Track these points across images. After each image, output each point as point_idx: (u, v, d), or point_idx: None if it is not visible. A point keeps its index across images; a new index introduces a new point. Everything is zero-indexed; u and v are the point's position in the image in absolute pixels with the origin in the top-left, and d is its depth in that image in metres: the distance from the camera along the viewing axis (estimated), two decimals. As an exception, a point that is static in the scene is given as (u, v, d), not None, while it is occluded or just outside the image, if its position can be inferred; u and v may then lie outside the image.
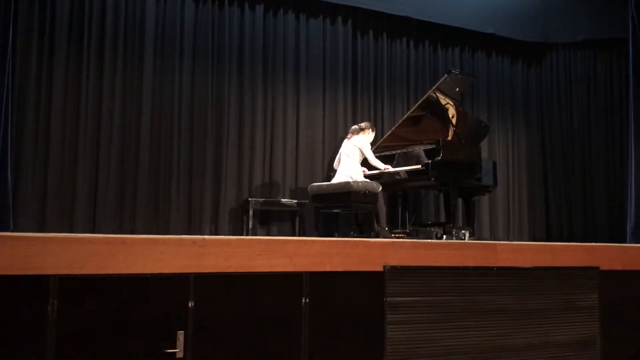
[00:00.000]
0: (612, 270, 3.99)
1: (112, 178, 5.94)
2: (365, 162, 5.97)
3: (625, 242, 6.90)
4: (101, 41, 6.03)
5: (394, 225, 6.75)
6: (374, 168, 5.95)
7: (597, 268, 3.93)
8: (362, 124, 6.15)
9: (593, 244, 4.34)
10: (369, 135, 6.07)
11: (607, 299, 3.93)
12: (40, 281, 2.47)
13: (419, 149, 6.10)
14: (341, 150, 6.07)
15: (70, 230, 5.57)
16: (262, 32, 6.83)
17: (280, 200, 6.59)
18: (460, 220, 7.03)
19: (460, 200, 6.61)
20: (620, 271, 4.05)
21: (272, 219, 6.67)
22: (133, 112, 6.12)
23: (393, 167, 6.17)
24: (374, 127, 6.29)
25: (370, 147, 5.93)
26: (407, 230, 6.65)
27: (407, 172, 6.07)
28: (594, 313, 3.89)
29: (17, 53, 5.60)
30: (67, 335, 2.49)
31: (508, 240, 7.69)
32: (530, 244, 4.01)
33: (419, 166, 5.94)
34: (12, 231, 4.99)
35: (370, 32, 7.48)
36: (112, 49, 6.07)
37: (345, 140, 6.10)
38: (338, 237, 6.02)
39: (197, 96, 6.43)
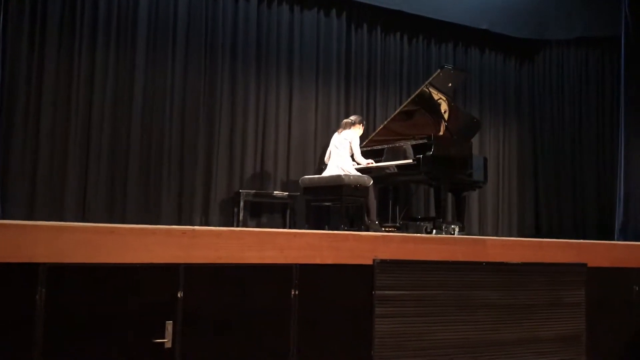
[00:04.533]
0: (600, 267, 4.03)
1: (103, 167, 5.91)
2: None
3: (613, 239, 6.95)
4: (93, 31, 5.97)
5: (384, 219, 6.76)
6: (357, 162, 5.98)
7: (585, 265, 3.96)
8: (353, 118, 6.17)
9: (581, 240, 4.37)
10: (358, 130, 6.11)
11: (594, 295, 3.96)
12: (29, 269, 2.45)
13: (410, 144, 6.11)
14: (331, 143, 6.07)
15: (60, 219, 5.53)
16: (256, 23, 6.80)
17: (272, 193, 6.59)
18: (450, 215, 7.05)
19: (450, 195, 6.63)
20: (608, 268, 4.08)
21: (262, 211, 6.67)
22: (125, 102, 6.08)
23: (382, 161, 6.20)
24: (364, 121, 6.32)
25: (359, 142, 5.95)
26: (397, 225, 6.67)
27: (398, 166, 6.09)
28: (580, 309, 3.92)
29: (8, 41, 5.54)
30: (55, 324, 2.48)
31: (497, 236, 7.73)
32: (519, 240, 4.03)
33: (411, 160, 5.96)
34: (1, 219, 4.96)
35: (365, 26, 7.48)
36: (104, 38, 6.02)
37: (336, 134, 6.11)
38: (328, 230, 6.03)
39: (189, 87, 6.40)
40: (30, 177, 5.61)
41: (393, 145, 6.29)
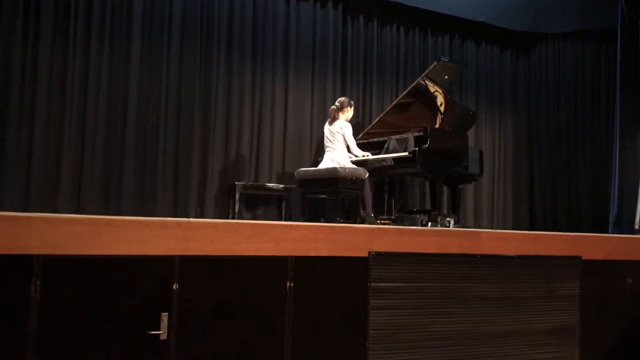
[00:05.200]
0: (594, 260, 4.04)
1: (98, 159, 5.89)
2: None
3: (607, 232, 6.99)
4: (88, 22, 5.93)
5: (380, 212, 6.77)
6: (354, 155, 5.96)
7: (579, 257, 3.98)
8: (340, 102, 6.02)
9: (576, 233, 4.38)
10: (348, 114, 6.01)
11: (587, 288, 3.98)
12: (24, 261, 2.45)
13: (407, 136, 6.11)
14: (325, 134, 6.04)
15: (55, 211, 5.52)
16: (252, 14, 6.77)
17: (267, 185, 6.59)
18: (445, 208, 7.08)
19: (445, 188, 6.65)
20: (602, 261, 4.10)
21: (258, 204, 6.67)
22: (120, 94, 6.05)
23: (383, 152, 6.19)
24: (352, 101, 6.15)
25: (352, 132, 5.90)
26: (393, 217, 6.68)
27: (394, 159, 6.08)
28: (574, 302, 3.94)
29: (2, 32, 5.51)
30: (50, 316, 2.48)
31: (492, 228, 7.76)
32: (514, 233, 4.04)
33: (406, 153, 5.96)
34: (-4, 210, 4.94)
35: (361, 18, 7.46)
36: (99, 29, 5.97)
37: (326, 125, 6.05)
38: (324, 222, 6.03)
39: (184, 79, 6.38)
40: (25, 169, 5.58)
41: (393, 137, 6.28)
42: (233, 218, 6.22)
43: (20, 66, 5.62)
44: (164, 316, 2.69)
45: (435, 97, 6.34)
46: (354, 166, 5.79)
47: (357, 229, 3.32)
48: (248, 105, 6.69)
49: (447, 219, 6.07)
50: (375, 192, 6.73)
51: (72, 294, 2.54)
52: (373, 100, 7.50)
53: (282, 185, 6.60)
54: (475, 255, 3.60)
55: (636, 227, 6.44)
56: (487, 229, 7.39)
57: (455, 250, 3.54)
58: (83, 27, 5.91)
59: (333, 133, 5.88)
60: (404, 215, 6.93)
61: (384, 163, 6.18)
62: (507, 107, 8.48)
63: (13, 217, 2.50)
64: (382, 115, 6.65)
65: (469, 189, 7.79)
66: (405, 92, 6.52)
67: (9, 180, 5.49)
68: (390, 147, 6.25)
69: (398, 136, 6.24)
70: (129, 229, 2.67)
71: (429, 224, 6.02)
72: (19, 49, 5.62)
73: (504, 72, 8.49)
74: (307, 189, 5.94)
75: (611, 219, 7.19)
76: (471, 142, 7.19)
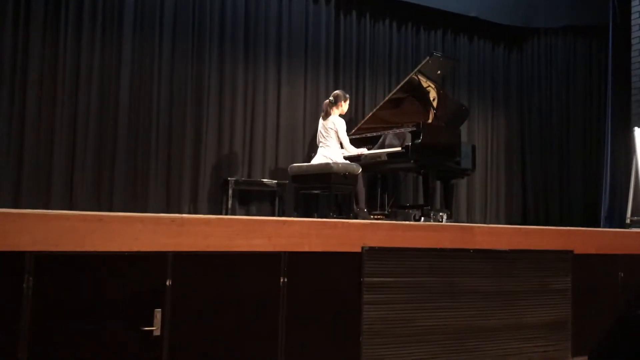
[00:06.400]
0: (586, 254, 4.07)
1: (90, 155, 5.86)
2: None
3: (599, 226, 7.02)
4: (79, 17, 5.89)
5: (373, 207, 6.78)
6: (348, 152, 5.96)
7: (572, 252, 4.00)
8: (334, 95, 5.97)
9: (568, 228, 4.41)
10: (343, 107, 5.99)
11: (579, 281, 4.01)
12: (16, 258, 2.44)
13: (403, 131, 6.11)
14: (319, 129, 6.03)
15: (46, 207, 5.50)
16: (244, 9, 6.74)
17: (260, 180, 6.58)
18: (438, 203, 7.09)
19: (438, 183, 6.66)
20: (594, 255, 4.13)
21: (251, 199, 6.66)
22: (111, 89, 6.02)
23: (377, 148, 6.19)
24: (347, 94, 6.12)
25: (345, 128, 5.88)
26: (386, 212, 6.69)
27: (388, 154, 6.09)
28: (566, 295, 3.97)
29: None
30: (42, 313, 2.47)
31: (485, 223, 7.79)
32: (506, 227, 4.06)
33: (399, 148, 5.96)
34: (-13, 207, 4.90)
35: (354, 13, 7.45)
36: (90, 24, 5.93)
37: (321, 120, 6.02)
38: (317, 217, 6.03)
39: (176, 74, 6.35)
40: (16, 165, 5.55)
41: (386, 132, 6.28)
42: (226, 214, 6.21)
43: (11, 62, 5.58)
44: (157, 312, 2.69)
45: (428, 92, 6.34)
46: (347, 162, 5.79)
47: (350, 224, 3.32)
48: (241, 101, 6.67)
49: (440, 213, 6.08)
50: (369, 187, 6.73)
51: (64, 290, 2.53)
52: (366, 95, 7.50)
53: (276, 181, 6.59)
54: (467, 250, 3.62)
55: (628, 221, 6.47)
56: (480, 223, 7.42)
57: (448, 245, 3.56)
58: (74, 21, 5.86)
59: (327, 129, 5.86)
60: (397, 210, 6.94)
61: (377, 158, 6.18)
62: (500, 102, 8.50)
63: (5, 214, 2.49)
64: (374, 110, 6.64)
65: (461, 183, 7.81)
66: (398, 87, 6.51)
67: (0, 177, 5.46)
68: (386, 142, 6.25)
69: (393, 131, 6.25)
70: (121, 225, 2.66)
71: (422, 219, 6.02)
72: (9, 45, 5.57)
73: (497, 67, 8.51)
74: (300, 184, 5.94)
75: (603, 213, 7.23)
76: (464, 137, 7.21)
